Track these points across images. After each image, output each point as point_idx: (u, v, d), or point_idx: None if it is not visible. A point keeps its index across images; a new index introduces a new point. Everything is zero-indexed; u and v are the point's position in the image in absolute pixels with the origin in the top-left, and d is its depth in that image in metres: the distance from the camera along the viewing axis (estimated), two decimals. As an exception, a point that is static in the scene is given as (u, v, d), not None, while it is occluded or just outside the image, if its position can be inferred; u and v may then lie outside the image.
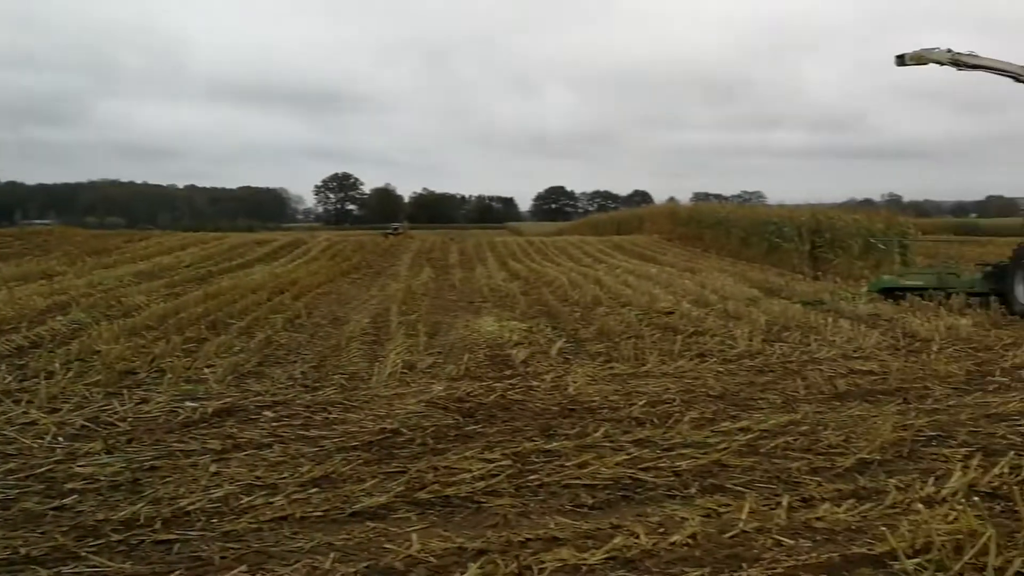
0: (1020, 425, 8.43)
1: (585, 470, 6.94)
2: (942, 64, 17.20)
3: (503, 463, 7.14)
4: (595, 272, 26.55)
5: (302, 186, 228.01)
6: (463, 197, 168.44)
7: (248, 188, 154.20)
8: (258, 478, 6.77)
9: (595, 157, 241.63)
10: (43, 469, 7.03)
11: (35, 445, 7.75)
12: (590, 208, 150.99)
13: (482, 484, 6.63)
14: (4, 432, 8.13)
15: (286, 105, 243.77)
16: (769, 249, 32.00)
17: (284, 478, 6.77)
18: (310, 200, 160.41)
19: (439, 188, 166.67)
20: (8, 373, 10.82)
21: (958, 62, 17.03)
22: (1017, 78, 16.67)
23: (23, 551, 5.29)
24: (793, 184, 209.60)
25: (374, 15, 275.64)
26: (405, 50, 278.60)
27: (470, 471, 6.92)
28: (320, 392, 10.05)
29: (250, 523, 5.81)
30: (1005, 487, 6.33)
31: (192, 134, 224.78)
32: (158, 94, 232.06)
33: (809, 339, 13.71)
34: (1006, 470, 6.77)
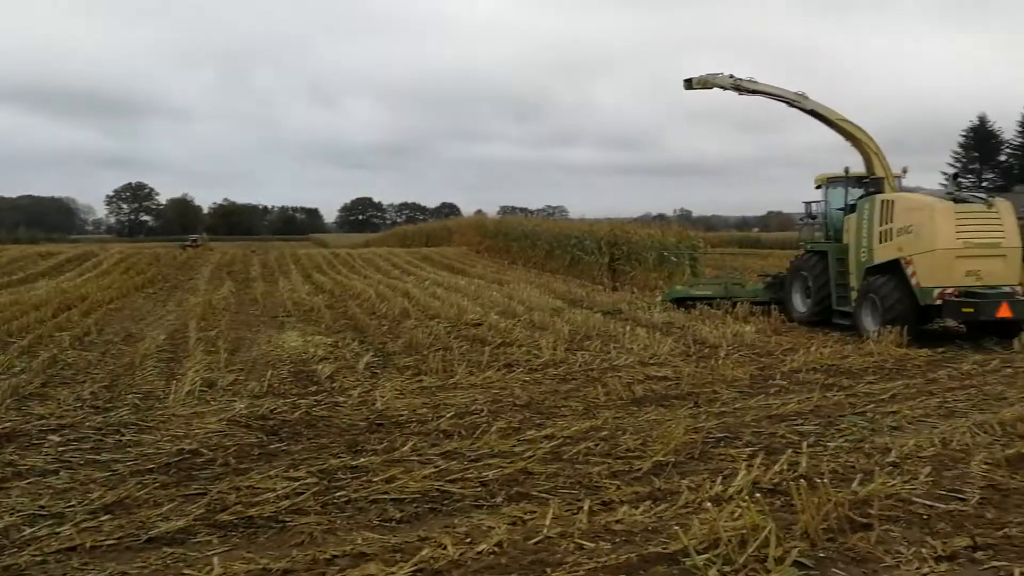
0: (798, 425, 9.12)
1: (393, 484, 6.94)
2: (725, 88, 18.34)
3: (308, 481, 7.02)
4: (403, 284, 26.53)
5: (92, 196, 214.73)
6: (266, 208, 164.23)
7: (30, 197, 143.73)
8: (42, 507, 6.34)
9: (403, 168, 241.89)
10: None
11: None
12: (398, 220, 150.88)
13: (287, 503, 6.50)
14: None
15: (73, 110, 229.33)
16: (572, 261, 33.02)
17: (72, 506, 6.38)
18: (101, 211, 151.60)
19: (240, 199, 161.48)
20: None
21: (739, 87, 18.21)
22: (790, 103, 18.03)
23: None
24: (593, 199, 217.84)
25: (169, 19, 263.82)
26: (203, 57, 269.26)
27: (274, 490, 6.76)
28: (112, 413, 9.51)
29: (34, 555, 5.44)
30: (784, 483, 6.82)
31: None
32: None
33: (609, 347, 14.27)
34: (785, 467, 7.31)
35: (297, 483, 6.95)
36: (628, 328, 16.27)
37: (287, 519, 6.21)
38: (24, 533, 5.82)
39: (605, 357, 13.41)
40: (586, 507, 6.34)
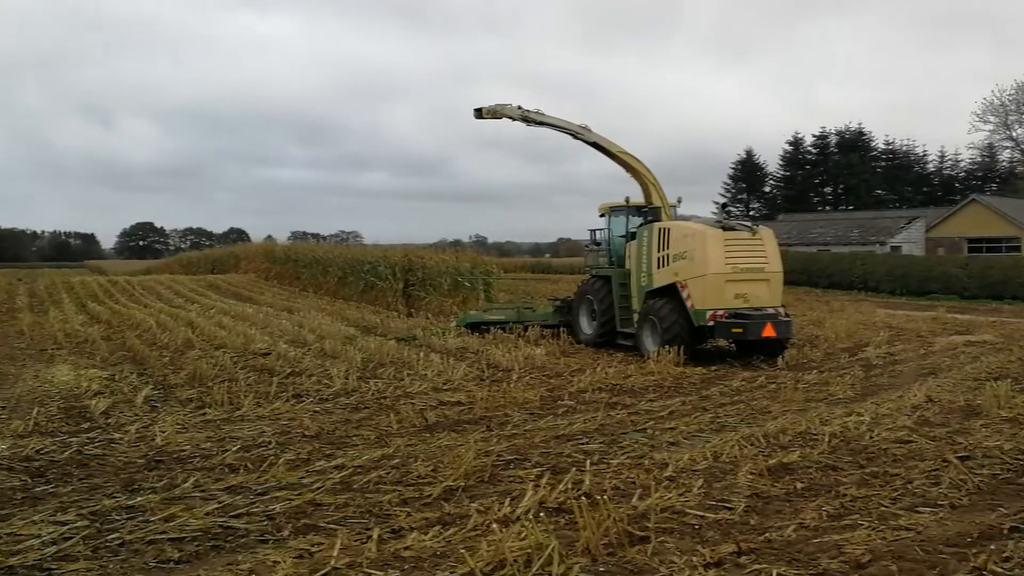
0: (583, 443, 9.46)
1: (172, 523, 6.62)
2: (514, 119, 18.89)
3: (79, 524, 6.58)
4: (187, 313, 25.39)
5: None
6: (35, 233, 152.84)
7: None
8: None
9: (187, 192, 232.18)
10: None
11: None
12: (183, 246, 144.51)
13: (53, 549, 6.05)
14: None
15: None
16: (365, 287, 32.78)
17: None
18: None
19: (5, 223, 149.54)
20: None
21: (527, 118, 18.81)
22: (574, 135, 18.79)
23: None
24: (387, 224, 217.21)
25: None
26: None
27: (39, 536, 6.29)
28: None
29: None
30: (568, 501, 7.04)
31: None
32: None
33: (403, 374, 14.26)
34: (569, 485, 7.54)
35: (65, 527, 6.50)
36: (423, 354, 16.33)
37: (53, 567, 5.79)
38: None
39: (399, 384, 13.39)
40: (375, 536, 6.29)
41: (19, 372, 14.54)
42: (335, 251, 39.74)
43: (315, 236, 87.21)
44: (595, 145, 18.94)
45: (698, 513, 6.85)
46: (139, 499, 7.27)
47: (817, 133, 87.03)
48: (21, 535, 6.35)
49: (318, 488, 7.58)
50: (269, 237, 68.22)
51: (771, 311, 16.43)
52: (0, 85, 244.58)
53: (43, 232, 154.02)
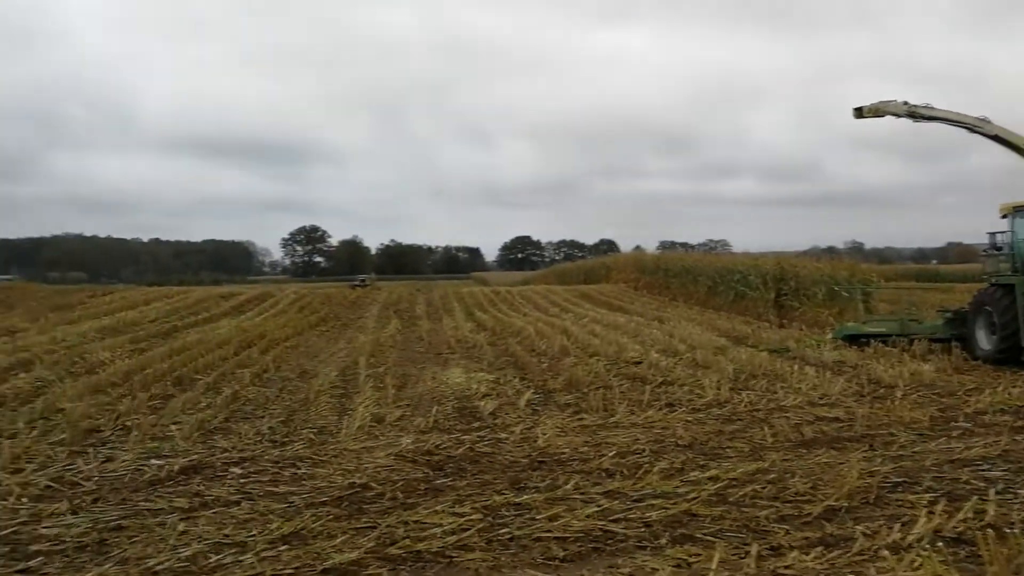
0: (983, 470, 8.57)
1: (556, 523, 6.95)
2: (899, 116, 17.66)
3: (473, 517, 7.13)
4: (562, 322, 26.66)
5: (268, 239, 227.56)
6: (429, 248, 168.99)
7: (213, 241, 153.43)
8: (227, 536, 6.71)
9: (559, 207, 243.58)
10: (7, 531, 6.92)
11: (-2, 506, 7.63)
12: (556, 257, 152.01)
13: (453, 538, 6.62)
14: (-35, 494, 7.99)
15: (243, 158, 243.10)
16: (735, 297, 32.35)
17: (253, 536, 6.71)
18: (277, 253, 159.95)
19: (406, 239, 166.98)
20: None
21: (915, 114, 17.49)
22: (971, 129, 17.15)
23: (-14, 616, 5.20)
24: (756, 232, 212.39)
25: (323, 69, 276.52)
26: (359, 104, 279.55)
27: (441, 525, 6.91)
28: (288, 447, 9.98)
29: (219, 583, 5.75)
30: (969, 532, 6.42)
31: (150, 187, 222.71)
32: (108, 147, 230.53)
33: (776, 387, 13.85)
34: (970, 515, 6.87)
35: (463, 519, 7.07)
36: (796, 367, 15.76)
37: (453, 554, 6.33)
38: (211, 560, 6.17)
39: (772, 397, 13.03)
40: (754, 551, 6.16)
41: (419, 373, 16.10)
42: (704, 260, 39.70)
43: (683, 245, 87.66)
44: (996, 138, 17.13)
45: None
46: (525, 497, 7.73)
47: None
48: (425, 523, 7.01)
49: (693, 499, 7.58)
50: (638, 247, 69.82)
51: None
52: (393, 115, 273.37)
53: (436, 247, 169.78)
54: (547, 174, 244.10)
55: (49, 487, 8.30)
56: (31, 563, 6.19)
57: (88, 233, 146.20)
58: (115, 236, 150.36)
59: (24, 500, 7.84)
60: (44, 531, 6.91)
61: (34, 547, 6.54)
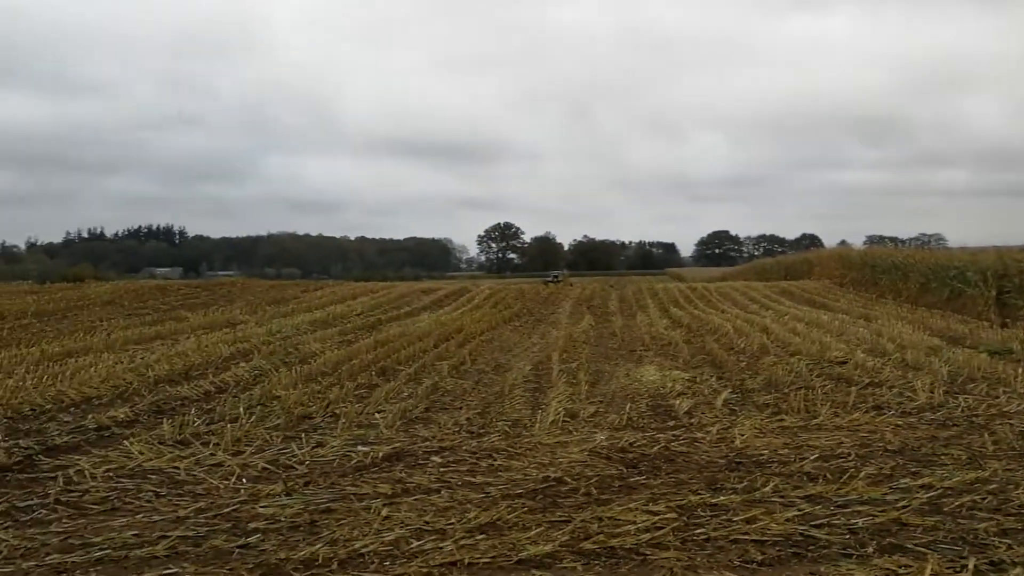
0: None
1: (754, 525, 6.76)
2: None
3: (668, 516, 7.03)
4: (761, 319, 25.87)
5: (465, 236, 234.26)
6: (623, 243, 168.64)
7: (415, 239, 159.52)
8: (427, 523, 6.94)
9: (757, 200, 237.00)
10: (229, 509, 7.45)
11: (221, 485, 8.23)
12: (755, 253, 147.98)
13: (647, 536, 6.56)
14: (194, 473, 8.68)
15: (438, 158, 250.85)
16: (951, 295, 30.31)
17: (452, 523, 6.91)
18: (473, 249, 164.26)
19: (598, 235, 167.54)
20: (197, 416, 11.54)
21: None
22: None
23: (212, 586, 5.61)
24: (972, 225, 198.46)
25: (512, 68, 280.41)
26: (549, 101, 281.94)
27: (635, 523, 6.86)
28: (485, 439, 10.21)
29: (421, 567, 5.95)
30: None
31: (354, 187, 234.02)
32: (317, 150, 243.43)
33: (997, 391, 12.88)
34: None
35: (657, 517, 7.00)
36: (1021, 370, 14.57)
37: (647, 552, 6.27)
38: (412, 545, 6.40)
39: (992, 402, 12.11)
40: (971, 566, 5.75)
41: (613, 370, 16.07)
42: (916, 255, 37.40)
43: (892, 240, 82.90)
44: None
45: None
46: (721, 498, 7.55)
47: None
48: (619, 520, 6.98)
49: (903, 507, 7.16)
50: (843, 242, 66.79)
51: None
52: (583, 110, 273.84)
53: (629, 242, 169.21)
54: (743, 166, 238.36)
55: (265, 469, 8.87)
56: (250, 539, 6.63)
57: (300, 231, 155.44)
58: (325, 234, 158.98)
59: (244, 481, 8.42)
60: (261, 510, 7.39)
61: (252, 524, 7.01)
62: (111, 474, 8.66)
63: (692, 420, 11.22)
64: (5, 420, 11.31)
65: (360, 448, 9.69)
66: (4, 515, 7.35)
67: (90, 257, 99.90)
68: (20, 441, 10.03)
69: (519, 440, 10.10)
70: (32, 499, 7.81)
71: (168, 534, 6.73)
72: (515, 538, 6.54)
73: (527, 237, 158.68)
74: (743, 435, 10.12)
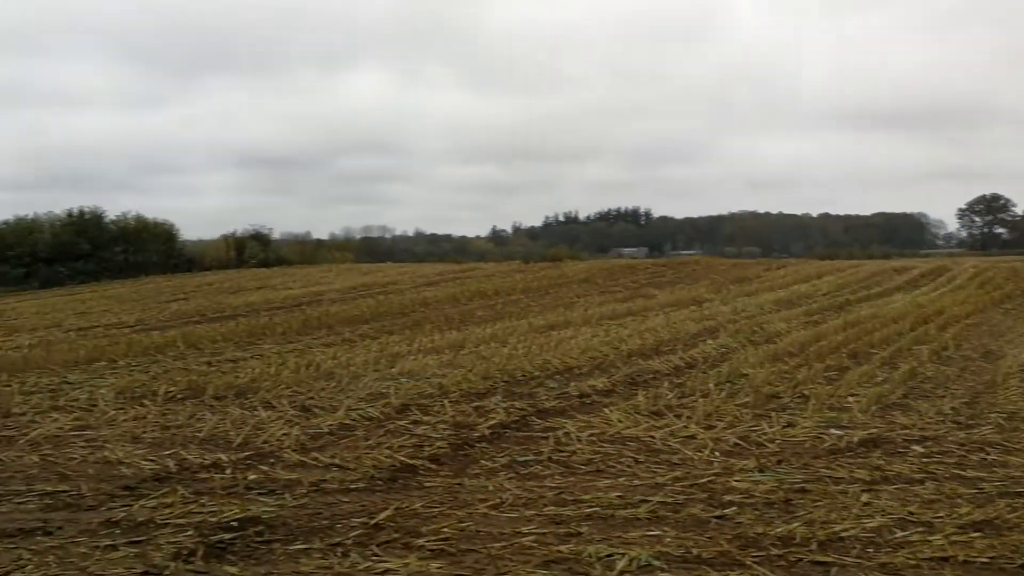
0: None
1: None
2: None
3: None
4: None
5: (941, 210, 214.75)
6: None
7: (883, 214, 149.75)
8: (911, 514, 6.56)
9: None
10: (704, 480, 7.68)
11: (695, 457, 8.50)
12: None
13: None
14: (669, 443, 9.06)
15: (907, 125, 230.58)
16: None
17: (940, 517, 6.45)
18: (951, 225, 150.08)
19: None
20: (669, 390, 12.02)
21: None
22: None
23: (694, 552, 5.84)
24: None
25: (997, 22, 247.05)
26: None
27: None
28: (975, 430, 9.37)
29: (907, 559, 5.64)
30: None
31: (814, 163, 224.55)
32: (774, 126, 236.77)
33: None
34: None
35: None
36: None
37: None
38: (896, 535, 6.09)
39: None
40: None
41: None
42: None
43: None
44: None
45: None
46: None
47: None
48: None
49: None
50: None
51: None
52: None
53: None
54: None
55: (737, 445, 8.98)
56: (726, 511, 6.77)
57: (761, 210, 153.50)
58: (785, 212, 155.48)
59: (717, 454, 8.62)
60: (735, 484, 7.51)
61: (727, 497, 7.15)
62: (594, 438, 9.36)
63: None
64: (503, 383, 12.72)
65: (833, 431, 9.42)
66: (507, 467, 8.30)
67: (565, 238, 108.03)
68: (516, 403, 11.22)
69: (1017, 435, 9.12)
70: (528, 455, 8.70)
71: (648, 499, 7.11)
72: (1017, 540, 5.93)
73: (1018, 210, 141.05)
74: None
